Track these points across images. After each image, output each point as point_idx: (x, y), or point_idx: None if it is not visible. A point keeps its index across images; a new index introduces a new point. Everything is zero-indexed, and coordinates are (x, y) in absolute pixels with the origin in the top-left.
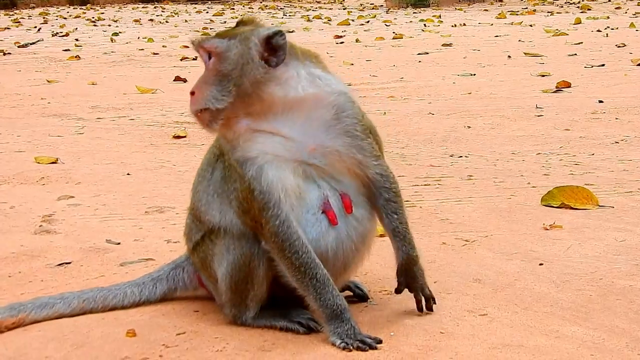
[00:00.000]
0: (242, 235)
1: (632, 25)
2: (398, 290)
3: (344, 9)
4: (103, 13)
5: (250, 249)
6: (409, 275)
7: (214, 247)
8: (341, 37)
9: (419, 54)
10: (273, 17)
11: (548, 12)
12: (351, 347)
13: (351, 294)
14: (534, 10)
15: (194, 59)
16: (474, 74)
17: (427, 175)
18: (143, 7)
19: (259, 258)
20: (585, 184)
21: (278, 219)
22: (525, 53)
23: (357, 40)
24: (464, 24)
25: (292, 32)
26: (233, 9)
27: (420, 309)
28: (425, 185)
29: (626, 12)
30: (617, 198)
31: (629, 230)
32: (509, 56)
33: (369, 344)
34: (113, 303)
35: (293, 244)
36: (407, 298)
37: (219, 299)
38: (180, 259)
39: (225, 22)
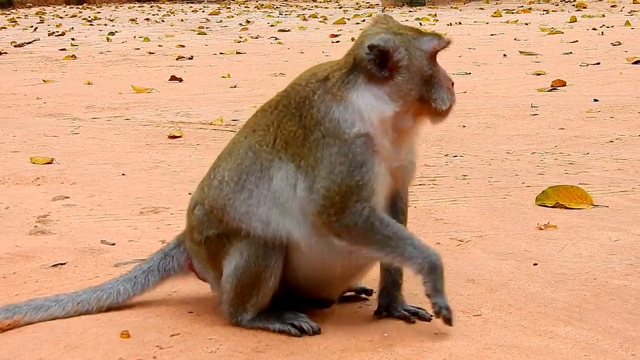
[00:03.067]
0: (266, 244)
1: (627, 23)
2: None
3: (340, 7)
4: (99, 12)
5: (267, 260)
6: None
7: (229, 248)
8: (337, 36)
9: None
10: (269, 16)
11: (544, 10)
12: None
13: (353, 293)
14: (530, 9)
15: (189, 59)
16: (469, 73)
17: (422, 175)
18: (139, 7)
19: (272, 271)
20: (580, 184)
21: (374, 204)
22: (520, 52)
23: (352, 39)
24: (460, 23)
25: (287, 31)
26: (229, 8)
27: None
28: (419, 185)
29: (621, 10)
30: (611, 197)
31: (623, 230)
32: (505, 55)
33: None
34: (108, 303)
35: (383, 220)
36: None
37: (218, 294)
38: (169, 247)
39: (221, 21)
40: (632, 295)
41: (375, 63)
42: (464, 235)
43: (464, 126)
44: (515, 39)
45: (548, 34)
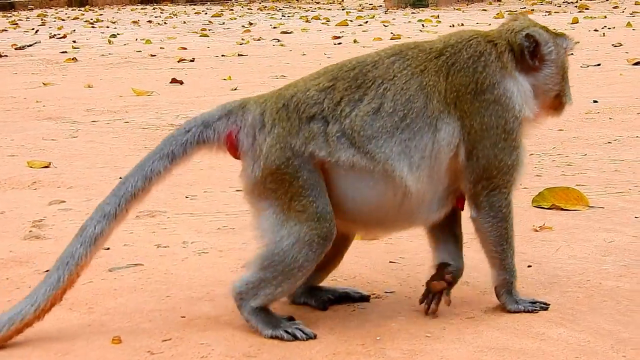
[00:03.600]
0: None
1: (628, 24)
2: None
3: (342, 9)
4: (102, 15)
5: (320, 255)
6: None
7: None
8: (339, 37)
9: None
10: (272, 17)
11: (546, 11)
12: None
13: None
14: (532, 10)
15: (191, 61)
16: None
17: None
18: (142, 9)
19: (311, 265)
20: (577, 185)
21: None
22: None
23: (355, 41)
24: (462, 24)
25: (290, 33)
26: (232, 9)
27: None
28: None
29: (623, 12)
30: (607, 198)
31: (618, 231)
32: None
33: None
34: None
35: (512, 214)
36: (395, 302)
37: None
38: (212, 117)
39: (223, 23)
40: (625, 297)
41: (529, 51)
42: None
43: None
44: None
45: None
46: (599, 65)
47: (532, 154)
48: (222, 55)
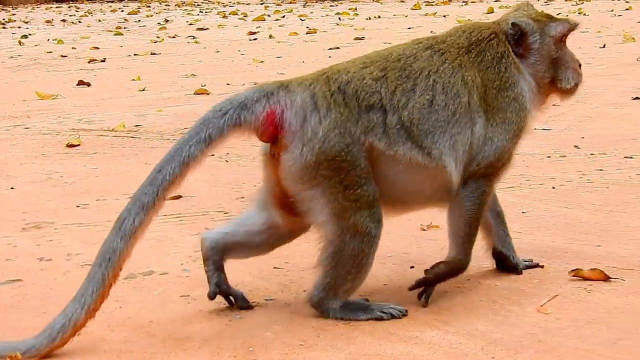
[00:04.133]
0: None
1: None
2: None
3: (261, 3)
4: (14, 14)
5: (379, 237)
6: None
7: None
8: (255, 33)
9: (330, 49)
10: (189, 14)
11: (463, 1)
12: None
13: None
14: (450, 1)
15: (102, 61)
16: None
17: None
18: (57, 7)
19: (373, 253)
20: None
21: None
22: None
23: (270, 36)
24: (379, 17)
25: (206, 29)
26: (149, 6)
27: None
28: None
29: (538, 0)
30: (498, 194)
31: None
32: None
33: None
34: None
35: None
36: (274, 309)
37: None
38: (249, 98)
39: (139, 20)
40: (502, 295)
41: (514, 38)
42: None
43: None
44: (431, 31)
45: None
46: None
47: None
48: (135, 55)
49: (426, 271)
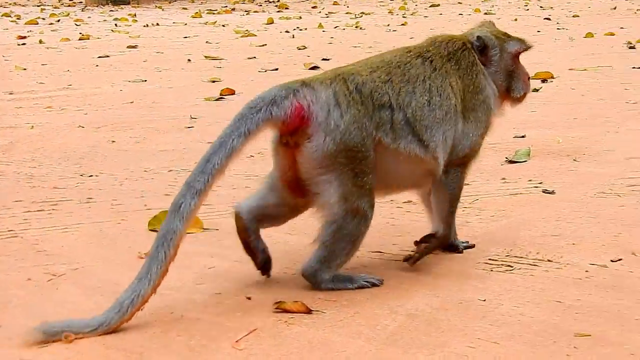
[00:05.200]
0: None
1: (320, 25)
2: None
3: (38, 5)
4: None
5: (371, 220)
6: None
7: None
8: (25, 37)
9: (99, 57)
10: None
11: (245, 11)
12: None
13: None
14: (233, 9)
15: None
16: (146, 80)
17: (47, 198)
18: None
19: (366, 233)
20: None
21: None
22: (205, 56)
23: (40, 42)
24: (158, 24)
25: None
26: None
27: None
28: (39, 211)
29: (320, 12)
30: (226, 219)
31: (223, 256)
32: (190, 60)
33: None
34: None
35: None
36: None
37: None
38: (279, 95)
39: None
40: (201, 330)
41: (478, 49)
42: (60, 268)
43: (114, 141)
44: (207, 41)
45: (241, 36)
46: (276, 69)
47: (171, 170)
48: None
49: (416, 243)
